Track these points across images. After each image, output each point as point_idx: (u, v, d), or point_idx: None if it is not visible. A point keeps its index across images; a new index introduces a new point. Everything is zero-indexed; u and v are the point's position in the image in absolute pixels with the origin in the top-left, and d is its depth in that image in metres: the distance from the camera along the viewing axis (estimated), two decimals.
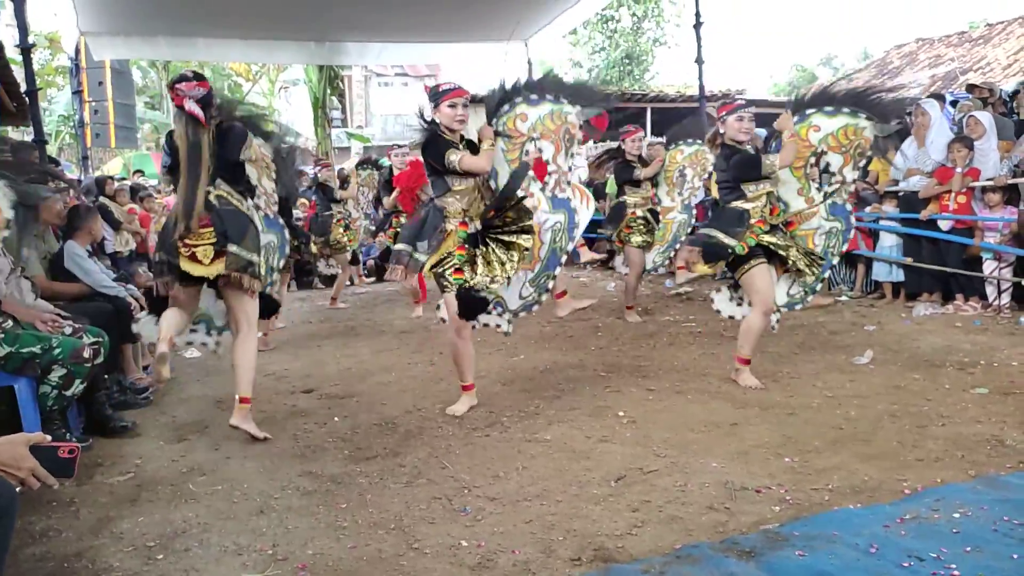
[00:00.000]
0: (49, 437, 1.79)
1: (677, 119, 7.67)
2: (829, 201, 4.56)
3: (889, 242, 6.60)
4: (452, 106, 3.77)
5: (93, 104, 10.01)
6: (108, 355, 3.78)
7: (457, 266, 3.77)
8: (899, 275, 6.53)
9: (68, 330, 3.57)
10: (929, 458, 3.00)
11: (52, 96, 18.27)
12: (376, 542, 2.53)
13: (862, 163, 4.63)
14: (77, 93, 9.21)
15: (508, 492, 2.87)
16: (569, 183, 4.22)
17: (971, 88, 7.68)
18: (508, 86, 4.09)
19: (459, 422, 3.76)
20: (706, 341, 5.36)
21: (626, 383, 4.34)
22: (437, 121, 3.81)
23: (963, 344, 4.86)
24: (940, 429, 3.33)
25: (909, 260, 6.35)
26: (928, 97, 7.11)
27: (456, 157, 3.70)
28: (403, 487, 2.98)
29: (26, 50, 6.20)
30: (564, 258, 4.28)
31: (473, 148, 3.86)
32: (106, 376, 4.21)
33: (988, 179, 5.84)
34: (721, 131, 4.29)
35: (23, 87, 6.77)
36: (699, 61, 8.76)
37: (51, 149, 13.61)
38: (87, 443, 3.61)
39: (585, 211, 5.66)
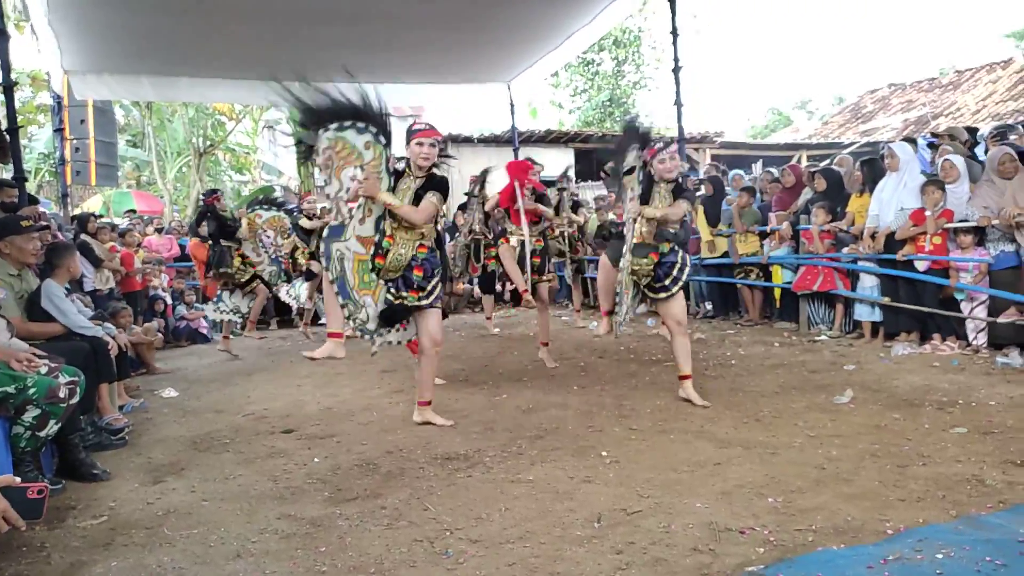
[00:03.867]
0: (19, 479, 1.76)
1: None
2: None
3: (870, 283, 6.68)
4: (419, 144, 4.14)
5: (75, 142, 10.00)
6: (84, 395, 3.73)
7: None
8: (879, 315, 6.61)
9: (44, 369, 3.51)
10: (911, 498, 3.00)
11: (33, 133, 18.23)
12: None
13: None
14: (59, 131, 9.22)
15: (490, 534, 2.83)
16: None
17: (934, 136, 7.93)
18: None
19: (440, 463, 3.72)
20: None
21: (609, 422, 4.33)
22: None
23: (941, 384, 4.90)
24: (921, 469, 3.34)
25: (887, 300, 6.43)
26: (901, 140, 7.28)
27: None
28: (384, 529, 2.93)
29: (8, 88, 6.20)
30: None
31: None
32: (81, 416, 4.14)
33: (960, 221, 5.95)
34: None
35: (4, 124, 6.76)
36: (678, 104, 8.95)
37: (31, 186, 13.53)
38: (60, 485, 3.54)
39: None
